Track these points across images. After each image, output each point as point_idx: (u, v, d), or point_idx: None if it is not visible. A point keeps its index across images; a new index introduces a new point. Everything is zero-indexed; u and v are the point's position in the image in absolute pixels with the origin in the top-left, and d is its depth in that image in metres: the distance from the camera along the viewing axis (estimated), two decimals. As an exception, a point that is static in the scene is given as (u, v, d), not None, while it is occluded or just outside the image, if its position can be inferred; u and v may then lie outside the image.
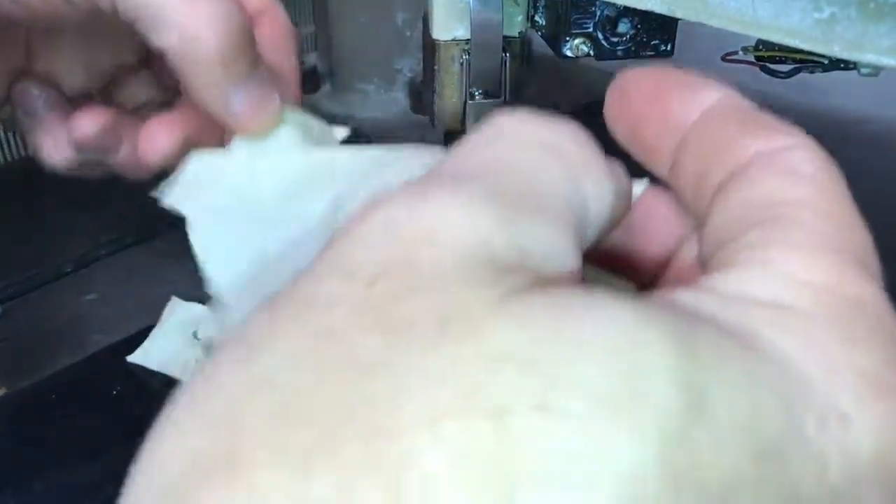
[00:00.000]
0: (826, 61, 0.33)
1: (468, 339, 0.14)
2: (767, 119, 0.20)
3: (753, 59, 0.36)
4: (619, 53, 0.37)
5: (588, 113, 0.68)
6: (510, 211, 0.17)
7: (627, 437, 0.13)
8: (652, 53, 0.37)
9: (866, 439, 0.15)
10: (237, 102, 0.31)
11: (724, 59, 0.36)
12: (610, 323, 0.14)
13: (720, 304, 0.16)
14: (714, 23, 0.29)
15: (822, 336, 0.16)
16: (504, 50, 0.39)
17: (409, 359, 0.14)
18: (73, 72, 0.36)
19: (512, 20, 0.40)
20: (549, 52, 0.39)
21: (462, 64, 0.40)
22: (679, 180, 0.20)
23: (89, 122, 0.34)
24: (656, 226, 0.23)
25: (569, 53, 0.37)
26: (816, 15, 0.28)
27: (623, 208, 0.21)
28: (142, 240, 0.45)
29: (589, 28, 0.36)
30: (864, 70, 0.31)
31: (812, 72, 0.35)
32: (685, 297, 0.17)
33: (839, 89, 0.44)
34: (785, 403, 0.15)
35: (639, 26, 0.36)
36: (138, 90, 0.37)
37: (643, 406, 0.13)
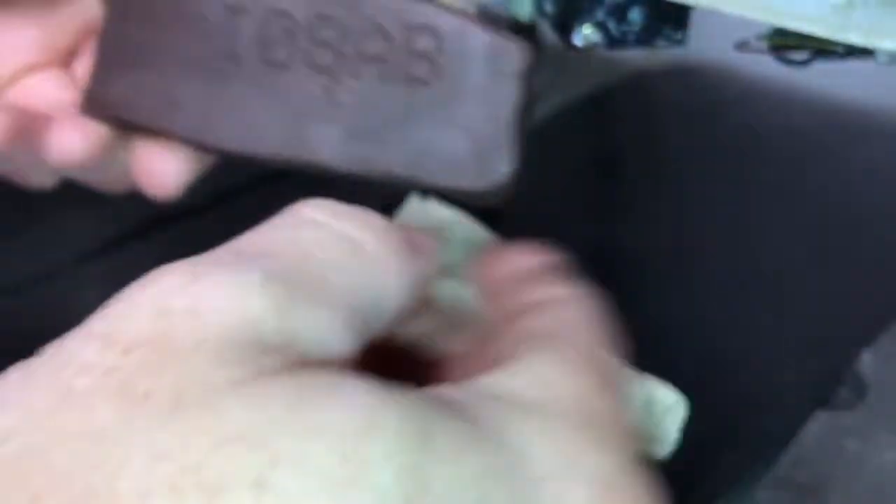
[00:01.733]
0: (842, 50, 0.33)
1: (200, 417, 0.14)
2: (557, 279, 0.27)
3: (767, 48, 0.35)
4: (631, 42, 0.36)
5: (595, 103, 0.68)
6: (287, 295, 0.18)
7: None
8: (664, 42, 0.36)
9: None
10: None
11: (737, 47, 0.36)
12: (346, 407, 0.15)
13: (476, 400, 0.18)
14: (727, 9, 0.29)
15: (564, 438, 0.19)
16: (512, 39, 0.39)
17: (138, 431, 0.14)
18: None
19: (520, 7, 0.39)
20: (558, 40, 0.39)
21: (469, 53, 0.39)
22: (496, 313, 0.25)
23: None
24: None
25: (578, 42, 0.36)
26: (833, 0, 0.27)
27: (421, 289, 0.23)
28: (142, 235, 0.45)
29: (599, 16, 0.36)
30: (881, 58, 0.31)
31: (828, 60, 0.35)
32: (451, 390, 0.19)
33: (856, 79, 0.44)
34: (516, 498, 0.17)
35: (650, 14, 0.36)
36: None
37: (363, 489, 0.14)
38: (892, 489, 0.36)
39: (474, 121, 0.27)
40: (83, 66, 0.32)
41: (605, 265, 0.34)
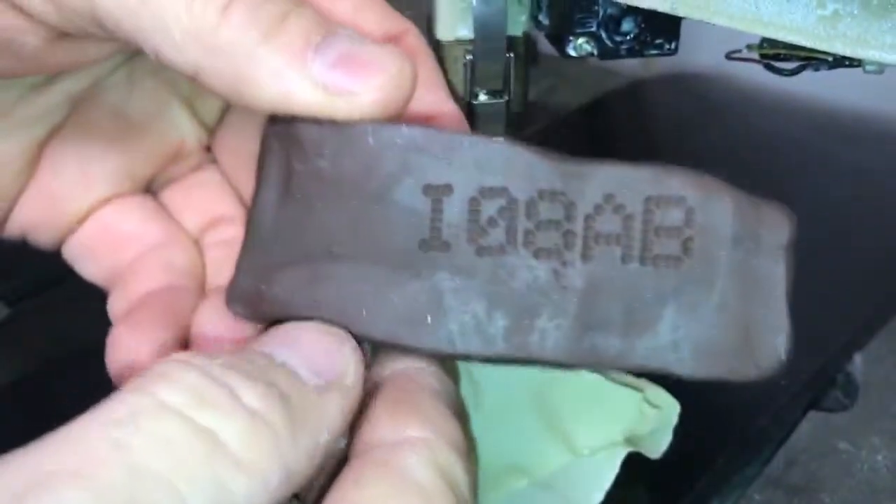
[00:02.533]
0: (831, 58, 0.33)
1: None
2: (411, 396, 0.22)
3: (758, 57, 0.36)
4: (623, 52, 0.37)
5: (592, 111, 0.68)
6: None
7: None
8: (656, 52, 0.37)
9: None
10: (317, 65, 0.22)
11: (728, 56, 0.36)
12: None
13: None
14: (717, 21, 0.30)
15: None
16: (508, 50, 0.39)
17: None
18: None
19: (515, 20, 0.40)
20: (554, 51, 0.39)
21: (466, 64, 0.40)
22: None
23: None
24: None
25: (572, 53, 0.37)
26: (820, 12, 0.28)
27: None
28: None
29: (592, 27, 0.36)
30: (868, 67, 0.31)
31: (817, 69, 0.35)
32: None
33: (846, 86, 0.44)
34: None
35: (643, 25, 0.36)
36: None
37: None
38: (884, 489, 0.37)
39: (739, 303, 0.23)
40: (170, 196, 0.30)
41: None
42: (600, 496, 0.36)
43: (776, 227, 0.23)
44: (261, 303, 0.24)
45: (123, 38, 0.22)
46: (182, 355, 0.20)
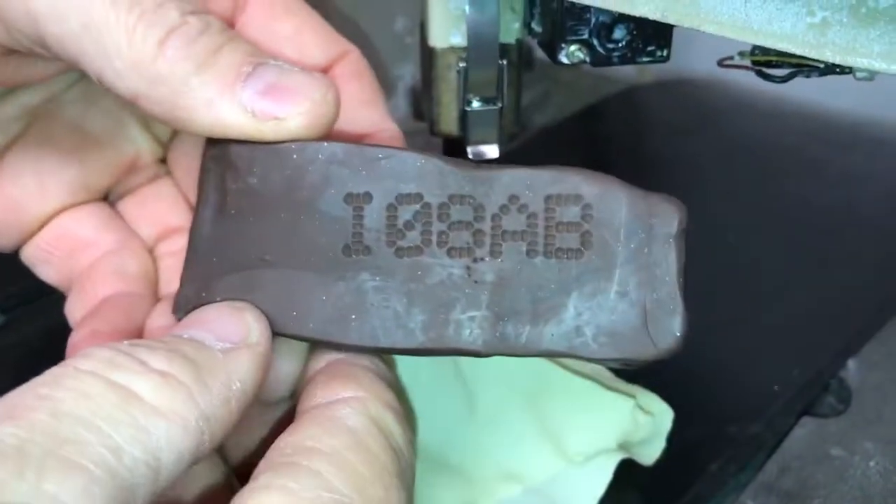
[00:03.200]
0: (822, 66, 0.33)
1: None
2: (345, 369, 0.25)
3: (749, 64, 0.36)
4: (615, 60, 0.37)
5: (588, 117, 0.68)
6: (32, 466, 0.18)
7: None
8: (648, 59, 0.37)
9: None
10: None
11: (720, 63, 0.36)
12: None
13: None
14: (707, 28, 0.30)
15: None
16: (501, 57, 0.39)
17: None
18: None
19: (508, 27, 0.40)
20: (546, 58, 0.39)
21: (459, 71, 0.40)
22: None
23: None
24: None
25: (564, 60, 0.37)
26: (809, 20, 0.28)
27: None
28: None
29: (584, 35, 0.36)
30: (859, 74, 0.31)
31: (808, 76, 0.35)
32: None
33: (838, 93, 0.45)
34: None
35: (634, 32, 0.36)
36: None
37: None
38: (877, 495, 0.37)
39: (634, 290, 0.25)
40: (126, 206, 0.31)
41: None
42: (594, 503, 0.36)
43: (667, 218, 0.25)
44: None
45: (67, 60, 0.24)
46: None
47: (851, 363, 0.42)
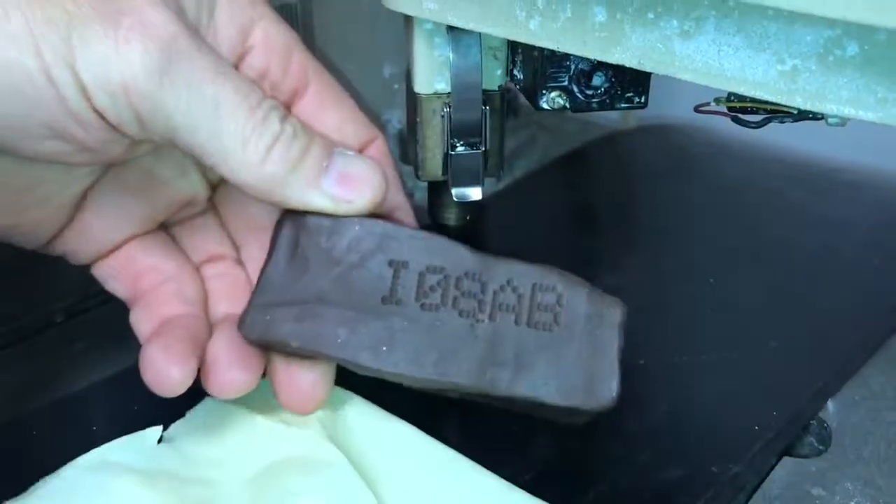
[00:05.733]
0: (795, 112, 0.34)
1: None
2: None
3: (725, 110, 0.36)
4: (595, 105, 0.38)
5: (572, 161, 0.69)
6: None
7: None
8: (626, 105, 0.38)
9: None
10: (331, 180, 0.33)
11: (696, 109, 0.37)
12: None
13: None
14: (682, 76, 0.30)
15: None
16: (484, 103, 0.40)
17: None
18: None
19: (491, 74, 0.41)
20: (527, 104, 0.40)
21: (443, 116, 0.41)
22: None
23: None
24: None
25: (545, 106, 0.38)
26: (779, 67, 0.28)
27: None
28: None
29: (564, 81, 0.37)
30: (831, 120, 0.32)
31: (782, 122, 0.36)
32: None
33: (815, 138, 0.46)
34: None
35: (613, 79, 0.37)
36: None
37: None
38: (857, 535, 0.37)
39: (587, 358, 0.33)
40: (177, 232, 0.38)
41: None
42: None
43: (614, 311, 0.34)
44: (264, 330, 0.33)
45: (189, 154, 0.31)
46: None
47: (831, 404, 0.42)
